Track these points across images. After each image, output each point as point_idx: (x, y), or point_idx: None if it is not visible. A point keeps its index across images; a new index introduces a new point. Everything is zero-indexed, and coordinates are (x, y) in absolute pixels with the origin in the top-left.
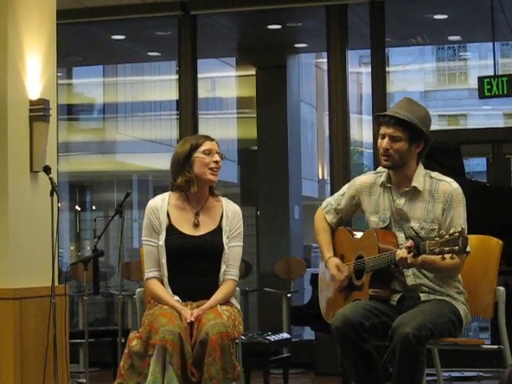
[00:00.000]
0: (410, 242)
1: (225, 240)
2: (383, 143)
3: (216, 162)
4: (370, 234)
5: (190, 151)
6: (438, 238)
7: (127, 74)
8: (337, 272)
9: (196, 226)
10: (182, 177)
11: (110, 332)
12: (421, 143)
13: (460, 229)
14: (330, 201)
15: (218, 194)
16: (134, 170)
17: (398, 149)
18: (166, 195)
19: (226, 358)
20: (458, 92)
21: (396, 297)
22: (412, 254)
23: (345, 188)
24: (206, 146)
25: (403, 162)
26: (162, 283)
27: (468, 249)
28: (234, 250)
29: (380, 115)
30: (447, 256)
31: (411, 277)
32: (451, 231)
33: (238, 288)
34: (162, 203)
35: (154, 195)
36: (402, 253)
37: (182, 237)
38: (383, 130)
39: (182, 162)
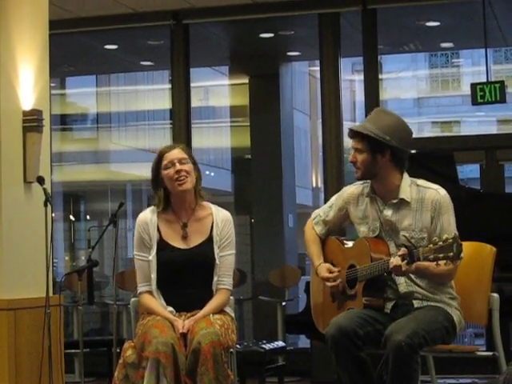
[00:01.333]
0: (403, 250)
1: (216, 251)
2: (351, 156)
3: (178, 171)
4: (361, 242)
5: (157, 169)
6: (431, 245)
7: (120, 84)
8: (328, 274)
9: (185, 238)
10: (159, 193)
11: (105, 342)
12: (386, 152)
13: (453, 235)
14: (319, 212)
15: (203, 196)
16: (128, 179)
17: (362, 161)
18: (155, 208)
19: (219, 367)
20: (451, 99)
21: (390, 305)
22: (406, 261)
23: (333, 199)
24: (166, 159)
25: (372, 173)
26: (154, 296)
27: (461, 254)
28: (226, 259)
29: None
30: (441, 262)
31: (403, 284)
32: (444, 237)
33: (232, 297)
34: (151, 216)
35: (148, 205)
36: (396, 261)
37: (172, 250)
38: (350, 143)
39: (154, 182)
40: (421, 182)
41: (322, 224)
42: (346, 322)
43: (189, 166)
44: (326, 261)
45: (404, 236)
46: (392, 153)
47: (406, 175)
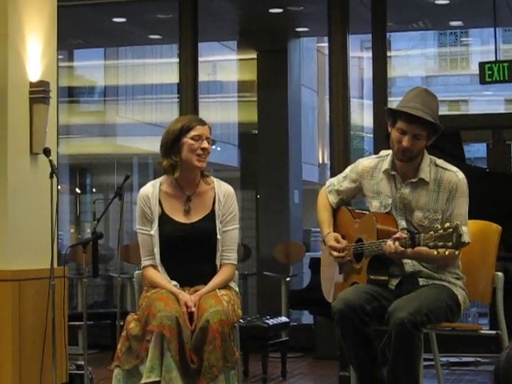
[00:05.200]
0: (399, 234)
1: (218, 226)
2: (404, 141)
3: (203, 148)
4: (369, 217)
5: (179, 134)
6: (432, 232)
7: (128, 57)
8: (335, 243)
9: (187, 212)
10: (168, 160)
11: (109, 314)
12: (434, 136)
13: (455, 224)
14: (333, 181)
15: (208, 175)
16: (134, 152)
17: (418, 146)
18: (157, 181)
19: (226, 345)
20: (460, 77)
21: (395, 281)
22: (399, 243)
23: (347, 170)
24: (197, 131)
25: (417, 156)
26: (158, 270)
27: (467, 239)
28: (229, 233)
29: (402, 111)
30: (441, 250)
31: (409, 264)
32: (446, 225)
33: (236, 272)
34: (153, 190)
35: (154, 178)
36: (388, 246)
37: (174, 225)
38: (405, 126)
39: (170, 145)
40: (440, 161)
41: (335, 193)
42: (353, 297)
43: (210, 147)
44: (336, 232)
45: (409, 220)
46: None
47: (426, 153)
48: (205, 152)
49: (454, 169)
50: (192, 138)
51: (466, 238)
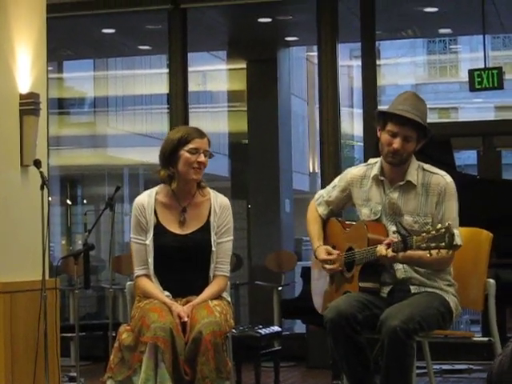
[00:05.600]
0: (389, 239)
1: (213, 237)
2: (395, 143)
3: (200, 162)
4: (359, 226)
5: (177, 145)
6: (424, 234)
7: (118, 68)
8: (327, 256)
9: (182, 223)
10: (165, 170)
11: (101, 326)
12: (424, 139)
13: (446, 224)
14: (322, 193)
15: (205, 186)
16: (125, 163)
17: (408, 149)
18: (153, 191)
19: (219, 356)
20: (449, 85)
21: (386, 289)
22: (391, 249)
23: (336, 181)
24: (194, 143)
25: (407, 159)
26: (151, 280)
27: (459, 242)
28: (224, 245)
29: (394, 114)
30: (433, 252)
31: (401, 270)
32: (438, 227)
33: (228, 282)
34: (149, 200)
35: (145, 189)
36: (380, 250)
37: (168, 236)
38: (396, 128)
39: (168, 155)
40: (427, 166)
41: (325, 204)
42: (345, 306)
43: (207, 160)
44: (326, 243)
45: (400, 223)
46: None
47: (413, 158)
48: (201, 165)
49: (442, 172)
50: (189, 151)
51: (458, 241)
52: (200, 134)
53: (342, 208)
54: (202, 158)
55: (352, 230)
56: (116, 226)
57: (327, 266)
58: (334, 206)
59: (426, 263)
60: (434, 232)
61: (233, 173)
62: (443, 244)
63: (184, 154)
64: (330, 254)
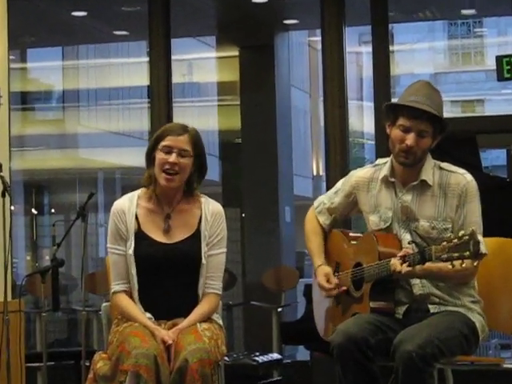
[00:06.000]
0: (404, 251)
1: (203, 249)
2: (408, 139)
3: (172, 164)
4: (368, 237)
5: (154, 144)
6: (445, 243)
7: (90, 57)
8: (325, 282)
9: (167, 232)
10: (147, 172)
11: (73, 354)
12: (440, 135)
13: (470, 231)
14: (323, 199)
15: (195, 190)
16: (99, 166)
17: (423, 146)
18: (134, 194)
19: None
20: (474, 74)
21: (401, 309)
22: (407, 263)
23: (339, 184)
24: (166, 141)
25: (422, 158)
26: (132, 297)
27: (483, 250)
28: (215, 258)
29: (406, 106)
30: (457, 263)
31: (418, 285)
32: (460, 234)
33: (220, 302)
34: (129, 204)
35: (122, 195)
36: (394, 264)
37: (151, 244)
38: (408, 122)
39: (149, 155)
40: (445, 165)
41: (327, 213)
42: (355, 329)
43: (186, 162)
44: (329, 258)
45: (415, 231)
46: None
47: (429, 156)
48: (173, 167)
49: (461, 170)
50: (162, 150)
51: (482, 249)
52: (178, 129)
53: (346, 216)
54: (173, 157)
55: (360, 243)
56: (89, 239)
57: (323, 292)
58: (337, 213)
59: (448, 276)
60: (456, 240)
61: (224, 176)
62: (467, 253)
63: (157, 153)
64: (328, 280)
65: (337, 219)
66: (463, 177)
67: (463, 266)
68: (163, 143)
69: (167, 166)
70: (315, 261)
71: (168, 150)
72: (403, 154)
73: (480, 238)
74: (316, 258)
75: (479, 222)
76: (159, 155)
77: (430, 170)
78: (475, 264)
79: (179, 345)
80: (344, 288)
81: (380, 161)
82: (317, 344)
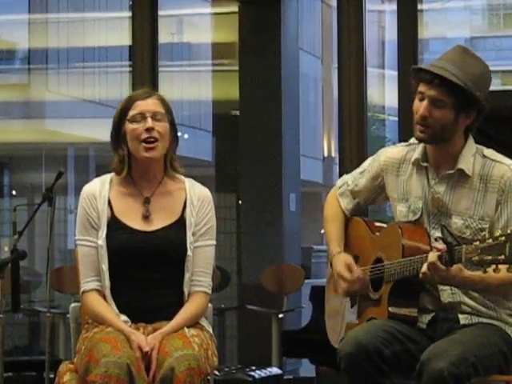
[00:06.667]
0: (442, 245)
1: (189, 238)
2: (421, 107)
3: (149, 129)
4: (392, 229)
5: (121, 118)
6: (478, 243)
7: (61, 10)
8: (345, 271)
9: (146, 218)
10: (116, 155)
11: (35, 363)
12: (472, 113)
13: (509, 231)
14: (347, 179)
15: (176, 171)
16: (70, 141)
17: (439, 118)
18: (107, 177)
19: None
20: None
21: (426, 318)
22: (444, 261)
23: (366, 164)
24: (135, 109)
25: (445, 137)
26: (105, 297)
27: None
28: (203, 251)
29: (421, 69)
30: (490, 268)
31: (447, 292)
32: (497, 234)
33: (210, 305)
34: (101, 188)
35: (96, 176)
36: (431, 257)
37: (128, 233)
38: (423, 88)
39: (115, 134)
40: (488, 152)
41: (350, 196)
42: (367, 337)
43: (164, 126)
44: (347, 250)
45: (445, 228)
46: (477, 113)
47: (470, 141)
48: (152, 134)
49: (508, 161)
50: (133, 121)
51: None
52: (143, 93)
53: (372, 202)
54: (149, 122)
55: (382, 235)
56: (57, 227)
57: (343, 285)
58: (361, 198)
59: (491, 288)
60: (490, 240)
61: (218, 156)
62: (502, 257)
63: (128, 126)
64: (350, 270)
65: (360, 205)
66: (509, 168)
67: (497, 272)
68: (132, 112)
69: (145, 135)
70: (332, 247)
71: (140, 118)
72: (418, 126)
73: None
74: (334, 245)
75: None
76: (131, 127)
77: (471, 158)
78: None
79: (163, 351)
80: (366, 281)
81: (415, 139)
82: (324, 357)
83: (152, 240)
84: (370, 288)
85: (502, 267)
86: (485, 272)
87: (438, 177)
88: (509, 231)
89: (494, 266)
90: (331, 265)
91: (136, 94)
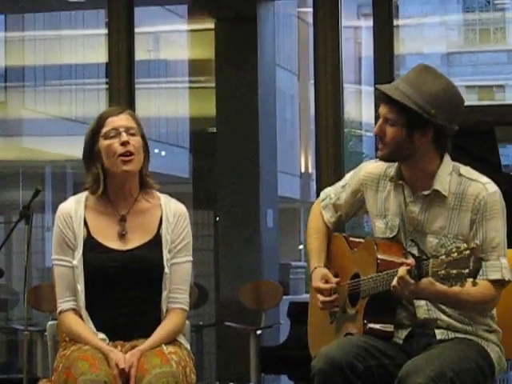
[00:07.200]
0: (410, 260)
1: (165, 255)
2: (376, 126)
3: (124, 143)
4: (368, 244)
5: (93, 136)
6: (444, 257)
7: (38, 27)
8: (322, 283)
9: (122, 236)
10: (90, 175)
11: (13, 381)
12: (428, 130)
13: (472, 245)
14: (330, 192)
15: (151, 187)
16: (47, 159)
17: (392, 136)
18: (82, 196)
19: None
20: (493, 55)
21: (403, 333)
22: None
23: (347, 177)
24: (108, 125)
25: (404, 155)
26: (81, 316)
27: (508, 276)
28: (180, 267)
29: (376, 89)
30: (467, 284)
31: (423, 308)
32: (462, 247)
33: (187, 322)
34: (77, 207)
35: (74, 193)
36: (401, 272)
37: (104, 252)
38: (380, 108)
39: (88, 154)
40: (465, 170)
41: (332, 209)
42: (339, 353)
43: (138, 140)
44: (329, 267)
45: (414, 242)
46: (436, 131)
47: (447, 159)
48: (128, 147)
49: (484, 179)
50: (107, 137)
51: (506, 275)
52: (114, 110)
53: (354, 215)
54: (123, 136)
55: (359, 251)
56: (34, 245)
57: (320, 298)
58: (343, 212)
59: (465, 304)
60: (455, 254)
61: (195, 173)
62: (466, 271)
63: (101, 143)
64: (327, 281)
65: (342, 218)
66: (484, 187)
67: (463, 287)
68: (105, 129)
69: (122, 150)
70: (312, 262)
71: (115, 133)
72: (379, 145)
73: (503, 262)
74: (313, 259)
75: (502, 244)
76: (106, 143)
77: (447, 177)
78: (494, 290)
79: (142, 368)
80: (337, 297)
81: None
82: (303, 373)
83: (128, 259)
84: (348, 303)
85: (469, 284)
86: (450, 286)
87: (414, 196)
88: (473, 245)
89: (460, 281)
90: (310, 279)
91: (107, 111)
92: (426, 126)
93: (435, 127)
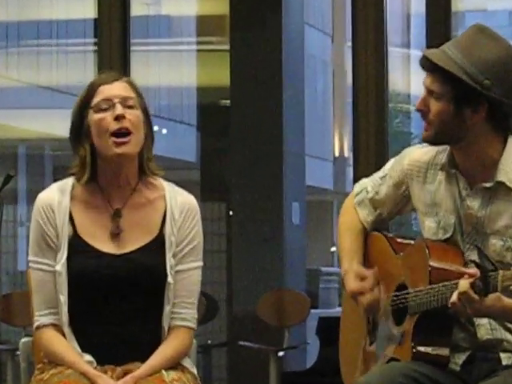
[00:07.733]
0: (473, 270)
1: (169, 260)
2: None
3: (119, 117)
4: (418, 248)
5: (80, 112)
6: None
7: None
8: (357, 283)
9: (116, 236)
10: (77, 156)
11: None
12: (480, 106)
13: None
14: (367, 185)
15: (154, 173)
16: (21, 137)
17: (436, 112)
18: (67, 184)
19: None
20: None
21: (460, 358)
22: (478, 290)
23: (387, 167)
24: (99, 95)
25: (454, 135)
26: (63, 333)
27: None
28: (187, 276)
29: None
30: None
31: (485, 327)
32: None
33: (194, 341)
34: (60, 198)
35: (54, 180)
36: (462, 285)
37: (93, 256)
38: (424, 78)
39: (74, 133)
40: None
41: (370, 205)
42: (381, 383)
43: (137, 114)
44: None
45: (478, 248)
46: (491, 107)
47: (511, 144)
48: (123, 123)
49: None
50: (98, 110)
51: None
52: (110, 76)
53: (397, 213)
54: (118, 109)
55: (406, 256)
56: (4, 244)
57: (361, 299)
58: (383, 209)
59: None
60: None
61: (204, 156)
62: None
63: (92, 116)
64: (362, 279)
65: (383, 217)
66: None
67: None
68: (96, 99)
69: (115, 126)
70: (344, 263)
71: (107, 105)
72: (423, 124)
73: None
74: (345, 261)
75: None
76: (96, 117)
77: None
78: None
79: None
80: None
81: None
82: None
83: (123, 265)
84: (391, 321)
85: None
86: None
87: (472, 189)
88: None
89: None
90: (343, 282)
91: (100, 78)
92: (479, 101)
93: (490, 102)
